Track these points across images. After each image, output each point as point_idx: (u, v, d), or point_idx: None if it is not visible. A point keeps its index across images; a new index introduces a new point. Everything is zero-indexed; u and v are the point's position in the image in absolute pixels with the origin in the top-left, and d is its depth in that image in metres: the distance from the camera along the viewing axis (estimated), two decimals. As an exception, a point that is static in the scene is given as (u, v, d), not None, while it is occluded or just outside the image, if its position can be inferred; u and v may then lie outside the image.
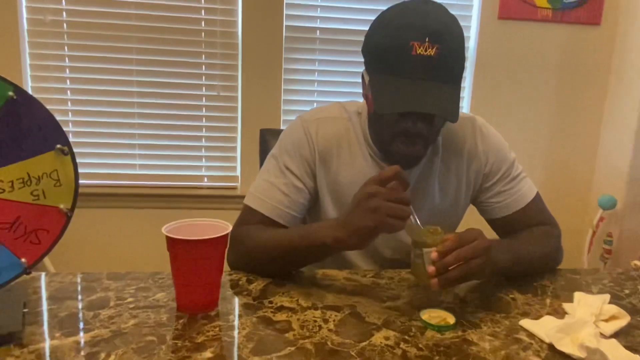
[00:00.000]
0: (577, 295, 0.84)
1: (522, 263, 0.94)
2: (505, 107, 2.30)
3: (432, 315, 0.78)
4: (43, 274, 0.90)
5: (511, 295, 0.89)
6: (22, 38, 1.94)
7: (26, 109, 0.68)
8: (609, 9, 2.25)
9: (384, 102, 0.85)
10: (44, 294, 0.83)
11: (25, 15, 1.94)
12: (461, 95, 2.27)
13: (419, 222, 0.81)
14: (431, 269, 0.76)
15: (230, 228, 0.79)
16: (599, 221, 2.25)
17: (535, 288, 0.92)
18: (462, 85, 2.27)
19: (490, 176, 1.03)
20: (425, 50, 0.81)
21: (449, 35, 0.83)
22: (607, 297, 0.82)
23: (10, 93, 0.66)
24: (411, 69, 0.82)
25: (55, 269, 1.85)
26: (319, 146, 0.98)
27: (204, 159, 2.18)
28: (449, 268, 0.75)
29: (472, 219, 1.10)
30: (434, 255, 0.76)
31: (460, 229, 1.11)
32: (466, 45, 2.24)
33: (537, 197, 1.04)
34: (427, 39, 0.81)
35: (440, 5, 0.88)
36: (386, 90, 0.85)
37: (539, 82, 2.30)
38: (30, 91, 1.94)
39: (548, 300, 0.87)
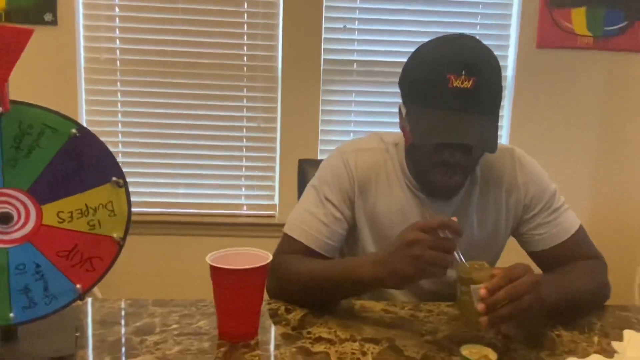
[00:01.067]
0: (627, 333, 0.80)
1: (569, 299, 0.90)
2: (546, 137, 2.25)
3: (473, 351, 0.76)
4: (90, 300, 0.94)
5: (556, 332, 0.86)
6: (80, 75, 2.09)
7: (86, 144, 0.73)
8: (654, 35, 2.20)
9: (423, 134, 0.86)
10: (92, 319, 0.87)
11: (82, 54, 2.09)
12: (500, 125, 2.25)
13: (463, 258, 0.80)
14: (481, 306, 0.73)
15: (270, 258, 0.82)
16: (651, 254, 2.13)
17: (582, 325, 0.89)
18: (500, 115, 2.26)
19: (531, 208, 1.01)
20: (462, 83, 0.82)
21: (485, 67, 0.85)
22: (660, 336, 0.78)
23: (74, 130, 0.72)
24: (448, 101, 0.84)
25: (102, 294, 1.92)
26: (358, 177, 1.00)
27: (243, 188, 2.24)
28: (499, 305, 0.73)
29: (511, 253, 1.08)
30: (482, 292, 0.73)
31: (501, 262, 1.10)
32: (504, 74, 2.23)
33: (581, 230, 1.02)
34: (463, 72, 0.82)
35: (475, 38, 0.90)
36: (424, 121, 0.86)
37: (581, 112, 2.25)
38: (84, 124, 2.06)
39: (596, 338, 0.84)
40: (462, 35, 0.90)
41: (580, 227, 1.02)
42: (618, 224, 2.30)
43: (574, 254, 1.00)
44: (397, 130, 1.03)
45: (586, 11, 2.16)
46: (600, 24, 2.17)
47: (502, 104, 2.31)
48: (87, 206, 0.73)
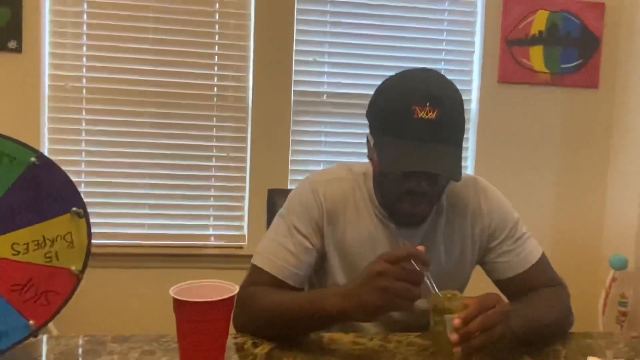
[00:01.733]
0: (591, 360, 0.82)
1: (536, 328, 0.92)
2: (509, 168, 2.33)
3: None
4: (45, 337, 0.89)
5: (516, 357, 0.86)
6: (43, 103, 2.04)
7: (46, 173, 0.71)
8: (605, 72, 2.33)
9: (389, 162, 0.88)
10: (46, 357, 0.82)
11: (47, 82, 2.05)
12: (465, 156, 2.32)
13: (435, 287, 0.80)
14: (454, 336, 0.74)
15: (237, 290, 0.80)
16: (612, 282, 2.20)
17: (547, 353, 0.90)
18: (465, 146, 2.33)
19: (495, 235, 1.03)
20: (427, 114, 0.85)
21: (448, 100, 0.88)
22: (622, 363, 0.80)
23: (33, 159, 0.70)
24: (414, 132, 0.86)
25: (58, 330, 1.82)
26: (327, 206, 1.00)
27: (211, 218, 2.20)
28: (472, 335, 0.73)
29: (477, 281, 1.10)
30: (456, 322, 0.74)
31: (469, 291, 1.11)
32: (468, 107, 2.32)
33: (543, 257, 1.04)
34: (427, 103, 0.85)
35: (439, 73, 0.93)
36: (391, 150, 0.88)
37: (541, 144, 2.35)
38: (47, 153, 2.00)
39: (561, 366, 0.85)
40: (426, 69, 0.94)
41: (543, 254, 1.05)
42: (579, 251, 2.37)
43: (538, 281, 1.01)
44: (366, 160, 1.04)
45: (543, 49, 2.28)
46: (556, 62, 2.29)
47: (466, 135, 2.38)
48: (44, 237, 0.70)
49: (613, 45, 2.32)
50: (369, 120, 0.97)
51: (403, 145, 0.86)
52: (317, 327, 0.91)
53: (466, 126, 2.43)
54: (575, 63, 2.31)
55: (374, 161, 0.96)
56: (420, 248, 0.79)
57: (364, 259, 0.99)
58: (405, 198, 0.92)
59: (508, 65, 2.27)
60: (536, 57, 2.28)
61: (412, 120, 0.85)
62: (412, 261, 0.78)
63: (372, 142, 0.95)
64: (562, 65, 2.30)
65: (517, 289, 1.01)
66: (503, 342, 0.77)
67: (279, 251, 0.98)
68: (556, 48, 2.29)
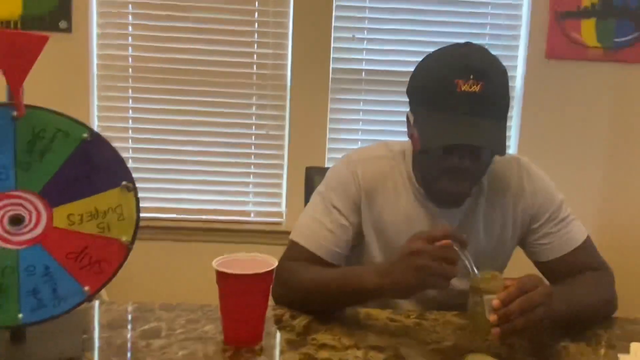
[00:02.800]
0: (634, 346, 0.80)
1: (578, 312, 0.90)
2: (556, 150, 2.23)
3: (478, 360, 0.76)
4: (97, 302, 0.95)
5: (563, 344, 0.85)
6: (92, 82, 2.12)
7: (97, 148, 0.74)
8: (665, 47, 2.18)
9: (431, 137, 0.87)
10: (99, 322, 0.88)
11: (95, 61, 2.12)
12: (508, 135, 2.25)
13: (475, 268, 0.79)
14: (493, 317, 0.73)
15: (276, 264, 0.82)
16: (662, 268, 2.11)
17: (589, 337, 0.88)
18: (509, 125, 2.25)
19: (538, 217, 1.01)
20: (470, 87, 0.83)
21: (492, 72, 0.86)
22: (669, 349, 0.77)
23: (85, 135, 0.74)
24: (457, 105, 0.84)
25: (110, 298, 1.93)
26: (365, 185, 1.00)
27: (251, 195, 2.25)
28: (512, 317, 0.72)
29: (517, 262, 1.08)
30: (495, 303, 0.73)
31: (507, 273, 1.09)
32: (513, 84, 2.23)
33: (588, 241, 1.01)
34: (471, 76, 0.83)
35: (481, 46, 0.91)
36: (432, 126, 0.87)
37: (590, 123, 2.24)
38: (96, 129, 2.09)
39: (602, 351, 0.83)
40: (468, 43, 0.91)
41: (588, 237, 1.02)
42: (627, 235, 2.27)
43: (581, 264, 0.99)
44: (406, 139, 1.03)
45: (596, 23, 2.15)
46: (610, 36, 2.16)
47: (511, 114, 2.30)
48: (96, 209, 0.74)
49: (675, 17, 2.17)
50: (409, 97, 0.95)
51: (445, 120, 0.85)
52: (354, 302, 0.92)
53: (511, 104, 2.36)
54: (631, 36, 2.17)
55: (414, 138, 0.94)
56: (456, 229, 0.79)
57: (401, 238, 0.99)
58: (446, 176, 0.90)
59: (557, 39, 2.16)
60: (588, 30, 2.16)
61: (455, 93, 0.84)
62: (451, 241, 0.77)
63: (412, 120, 0.94)
64: (617, 39, 2.17)
65: (559, 271, 0.99)
66: (544, 325, 0.76)
67: (317, 228, 1.00)
68: (610, 20, 2.15)
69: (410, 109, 0.95)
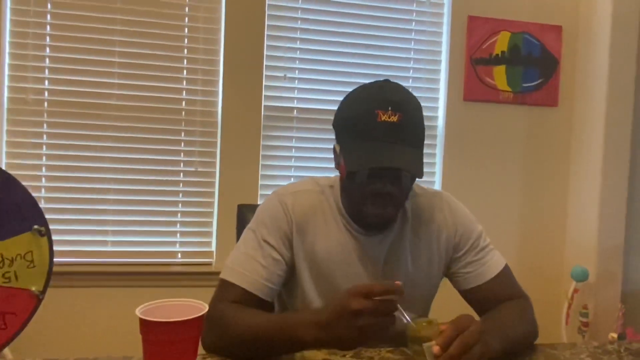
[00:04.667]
0: (558, 372, 0.83)
1: (510, 342, 0.93)
2: (475, 183, 2.39)
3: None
4: (3, 362, 0.84)
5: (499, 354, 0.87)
6: (2, 116, 1.96)
7: (6, 189, 0.68)
8: (565, 92, 2.44)
9: (356, 162, 0.92)
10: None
11: (6, 94, 1.97)
12: (432, 171, 2.37)
13: (408, 317, 0.79)
14: None
15: (206, 309, 0.78)
16: (574, 293, 2.27)
17: (515, 365, 0.92)
18: (432, 162, 2.37)
19: (460, 246, 1.06)
20: (389, 117, 0.91)
21: (408, 105, 0.94)
22: (587, 373, 0.82)
23: (-9, 174, 0.67)
24: (378, 133, 0.91)
25: (15, 355, 1.73)
26: (295, 217, 1.01)
27: (178, 234, 2.15)
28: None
29: (444, 297, 1.11)
30: (436, 349, 0.74)
31: (435, 307, 1.12)
32: (435, 124, 2.37)
33: (507, 269, 1.07)
34: (389, 108, 0.91)
35: (398, 84, 0.99)
36: (357, 152, 0.93)
37: (505, 160, 2.42)
38: (4, 167, 1.92)
39: (529, 378, 0.86)
40: (387, 80, 0.99)
41: (506, 266, 1.07)
42: (542, 263, 2.44)
43: (502, 292, 1.04)
44: (337, 174, 1.05)
45: (506, 69, 2.37)
46: (518, 81, 2.39)
47: (433, 152, 2.42)
48: (2, 257, 0.67)
49: (571, 66, 2.44)
50: (335, 129, 1.00)
51: (368, 146, 0.91)
52: (290, 351, 0.89)
53: (433, 142, 2.48)
54: (536, 82, 2.41)
55: (341, 167, 0.98)
56: (397, 283, 0.79)
57: (333, 269, 1.01)
58: (371, 201, 0.95)
59: (473, 83, 2.35)
60: (499, 76, 2.37)
61: (376, 123, 0.90)
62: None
63: (338, 150, 0.98)
64: (524, 84, 2.39)
65: (482, 299, 1.04)
66: None
67: (249, 264, 0.97)
68: (518, 68, 2.38)
69: (337, 141, 1.00)
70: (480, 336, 0.77)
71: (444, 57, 2.36)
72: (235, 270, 0.97)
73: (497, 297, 1.03)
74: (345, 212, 1.03)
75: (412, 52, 2.33)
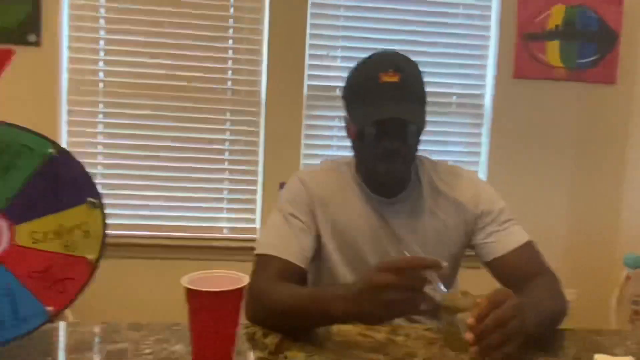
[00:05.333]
0: (598, 357, 0.81)
1: (546, 319, 0.91)
2: (524, 166, 2.30)
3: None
4: (62, 323, 0.92)
5: (529, 356, 0.86)
6: (62, 96, 2.08)
7: (63, 164, 0.73)
8: (624, 68, 2.29)
9: (362, 118, 1.00)
10: (63, 343, 0.85)
11: (65, 75, 2.09)
12: (477, 151, 2.31)
13: (442, 287, 0.76)
14: (469, 336, 0.71)
15: (247, 281, 0.81)
16: (626, 280, 2.17)
17: (554, 349, 0.90)
18: (478, 141, 2.30)
19: (482, 217, 1.08)
20: (391, 78, 0.97)
21: (407, 66, 1.01)
22: (631, 359, 0.80)
23: (50, 150, 0.72)
24: (381, 93, 0.98)
25: (75, 317, 1.87)
26: (316, 192, 1.08)
27: (225, 211, 2.23)
28: (487, 333, 0.71)
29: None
30: (470, 321, 0.71)
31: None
32: (481, 103, 2.30)
33: (532, 243, 1.06)
34: (390, 69, 0.98)
35: (397, 51, 1.06)
36: (362, 111, 1.00)
37: (557, 141, 2.32)
38: (65, 145, 2.05)
39: (569, 363, 0.85)
40: (388, 49, 1.09)
41: (532, 242, 1.06)
42: (594, 249, 2.34)
43: (527, 265, 1.02)
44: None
45: (560, 44, 2.25)
46: (573, 57, 2.26)
47: (479, 131, 2.34)
48: (61, 227, 0.72)
49: (632, 40, 2.28)
50: (344, 99, 1.07)
51: (374, 105, 0.98)
52: (322, 324, 0.92)
53: (479, 121, 2.41)
54: (592, 58, 2.27)
55: (351, 131, 1.06)
56: (445, 264, 0.76)
57: (357, 238, 1.07)
58: (381, 158, 1.01)
59: (524, 60, 2.24)
60: (552, 52, 2.25)
61: (379, 84, 0.97)
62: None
63: (348, 117, 1.06)
64: (579, 60, 2.26)
65: (508, 271, 1.03)
66: (519, 338, 0.75)
67: (280, 236, 1.04)
68: (573, 43, 2.25)
69: (346, 110, 1.06)
70: (518, 310, 0.74)
71: (493, 32, 2.26)
72: (268, 243, 1.03)
73: (522, 270, 1.02)
74: (363, 181, 1.09)
75: (459, 27, 2.26)
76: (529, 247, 1.05)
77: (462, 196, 1.09)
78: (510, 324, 0.73)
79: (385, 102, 0.97)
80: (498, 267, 1.05)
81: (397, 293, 0.75)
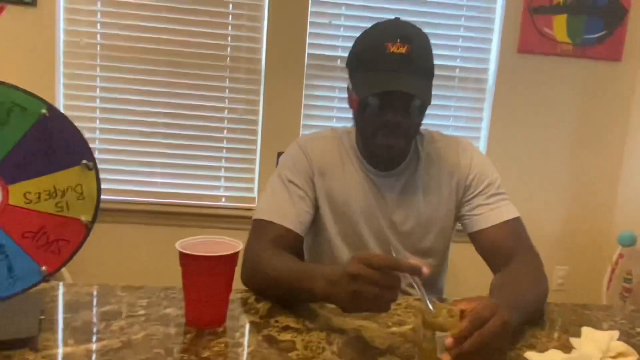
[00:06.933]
0: (585, 330, 0.83)
1: (530, 315, 0.88)
2: (525, 140, 2.29)
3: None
4: (60, 283, 0.93)
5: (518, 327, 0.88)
6: (58, 58, 2.05)
7: (57, 125, 0.72)
8: (631, 45, 2.25)
9: (364, 88, 0.96)
10: (60, 302, 0.86)
11: (62, 37, 2.05)
12: (479, 127, 2.29)
13: (427, 299, 0.70)
14: (446, 357, 0.66)
15: (240, 246, 0.82)
16: (618, 258, 2.20)
17: (544, 321, 0.92)
18: (479, 116, 2.29)
19: (471, 189, 1.07)
20: (398, 49, 0.94)
21: (417, 37, 0.97)
22: (616, 333, 0.81)
23: (43, 111, 0.71)
24: (387, 64, 0.94)
25: (72, 279, 1.89)
26: (315, 159, 1.08)
27: (223, 179, 2.23)
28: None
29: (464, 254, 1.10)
30: (448, 342, 0.65)
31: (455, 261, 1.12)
32: (484, 77, 2.27)
33: (519, 220, 1.04)
34: (398, 40, 0.94)
35: (408, 21, 1.01)
36: (366, 80, 0.96)
37: (559, 117, 2.30)
38: (62, 108, 2.03)
39: (556, 334, 0.87)
40: (397, 18, 1.02)
41: (518, 218, 1.04)
42: (590, 227, 2.36)
43: (510, 241, 1.00)
44: None
45: (567, 18, 2.20)
46: (579, 32, 2.22)
47: (481, 106, 2.32)
48: (55, 188, 0.72)
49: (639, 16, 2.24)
50: (348, 67, 1.03)
51: (377, 75, 0.94)
52: (305, 301, 0.90)
53: (482, 96, 2.38)
54: (599, 34, 2.23)
55: (353, 100, 1.01)
56: (417, 264, 0.72)
57: (352, 209, 1.07)
58: (382, 132, 0.98)
59: (529, 34, 2.20)
60: (559, 26, 2.21)
61: (385, 54, 0.94)
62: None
63: (350, 86, 1.01)
64: (586, 36, 2.22)
65: (490, 245, 1.02)
66: (501, 357, 0.71)
67: (278, 202, 1.04)
68: (581, 17, 2.21)
69: (349, 78, 1.02)
70: (503, 329, 0.67)
71: (499, 5, 2.21)
72: (266, 209, 1.04)
73: (504, 246, 1.00)
74: (360, 154, 1.08)
75: (464, -1, 2.21)
76: (514, 223, 1.03)
77: (455, 167, 1.08)
78: (493, 345, 0.67)
79: (392, 74, 0.93)
80: (480, 240, 1.04)
81: (366, 286, 0.71)
